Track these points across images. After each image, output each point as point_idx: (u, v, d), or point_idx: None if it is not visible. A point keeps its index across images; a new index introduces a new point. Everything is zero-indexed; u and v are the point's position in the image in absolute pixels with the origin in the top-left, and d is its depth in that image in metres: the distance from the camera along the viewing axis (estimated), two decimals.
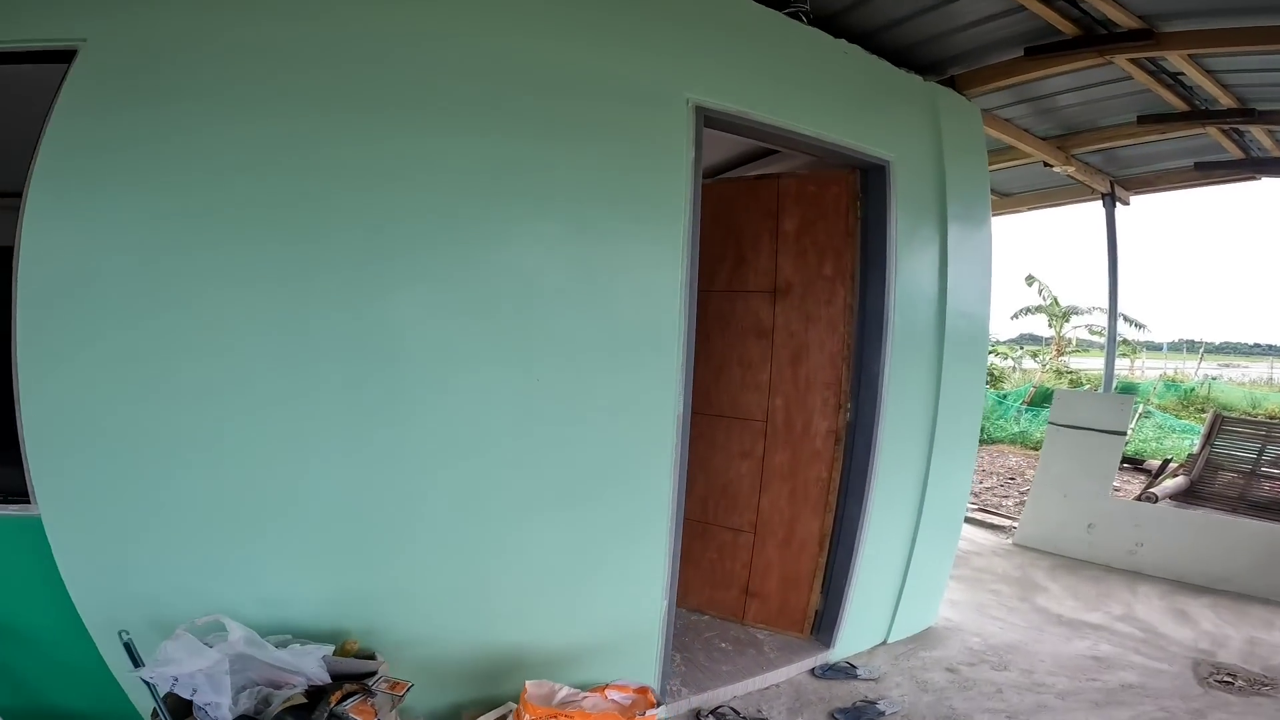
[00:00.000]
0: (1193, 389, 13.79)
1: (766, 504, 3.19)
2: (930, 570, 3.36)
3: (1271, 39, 2.58)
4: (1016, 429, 10.98)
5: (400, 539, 1.96)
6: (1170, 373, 17.69)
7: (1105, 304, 5.40)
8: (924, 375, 3.14)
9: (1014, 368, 17.19)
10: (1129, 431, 6.31)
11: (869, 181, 2.97)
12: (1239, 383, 16.97)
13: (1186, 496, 5.54)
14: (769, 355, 3.19)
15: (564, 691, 1.83)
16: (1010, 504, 6.83)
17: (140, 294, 1.68)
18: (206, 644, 1.48)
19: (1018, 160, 4.48)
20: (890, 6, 2.71)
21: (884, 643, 3.20)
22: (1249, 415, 10.20)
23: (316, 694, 1.53)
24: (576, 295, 2.10)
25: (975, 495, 7.27)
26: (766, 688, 2.73)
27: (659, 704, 2.01)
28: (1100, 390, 6.15)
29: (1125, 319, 15.71)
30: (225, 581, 1.77)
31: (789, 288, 3.14)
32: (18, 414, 1.64)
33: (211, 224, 1.72)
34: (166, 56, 1.69)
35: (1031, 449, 9.81)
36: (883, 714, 2.53)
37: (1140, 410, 10.43)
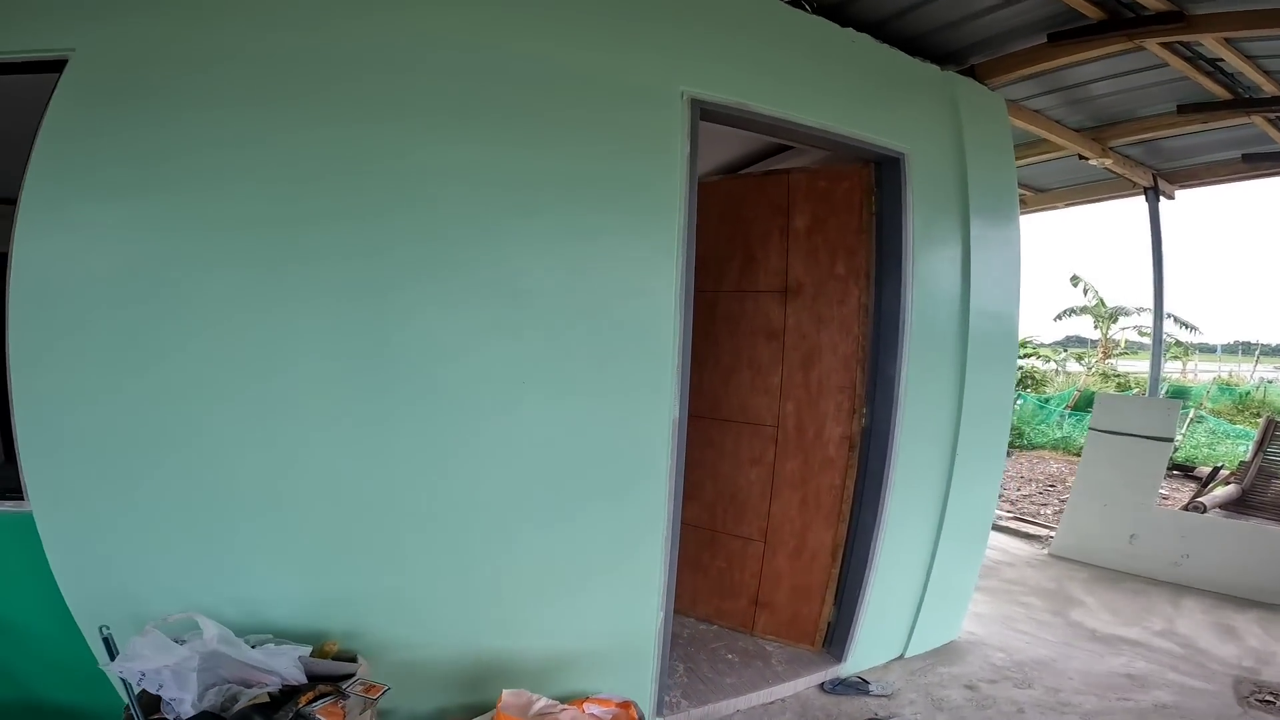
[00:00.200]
0: (1248, 393, 13.06)
1: (777, 512, 3.09)
2: (953, 582, 3.21)
3: None
4: (1058, 434, 10.55)
5: (389, 543, 1.94)
6: (1224, 376, 16.81)
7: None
8: (945, 379, 2.99)
9: (1057, 371, 16.56)
10: (1177, 438, 5.99)
11: (883, 175, 2.84)
12: None
13: (1237, 506, 5.23)
14: (780, 358, 3.09)
15: (541, 703, 1.77)
16: (1049, 512, 6.55)
17: (130, 298, 1.70)
18: (181, 641, 1.48)
19: (1051, 154, 4.28)
20: None
21: (900, 657, 3.07)
22: None
23: (290, 694, 1.52)
24: (565, 296, 2.05)
25: (1011, 503, 7.02)
26: (771, 702, 2.64)
27: (642, 719, 1.94)
28: (1146, 394, 5.85)
29: (1175, 320, 14.97)
30: (211, 580, 1.78)
31: (800, 287, 3.04)
32: (11, 413, 1.68)
33: (196, 228, 1.74)
34: (155, 65, 1.71)
35: (1074, 455, 9.41)
36: None
37: (1191, 415, 9.93)
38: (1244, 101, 3.28)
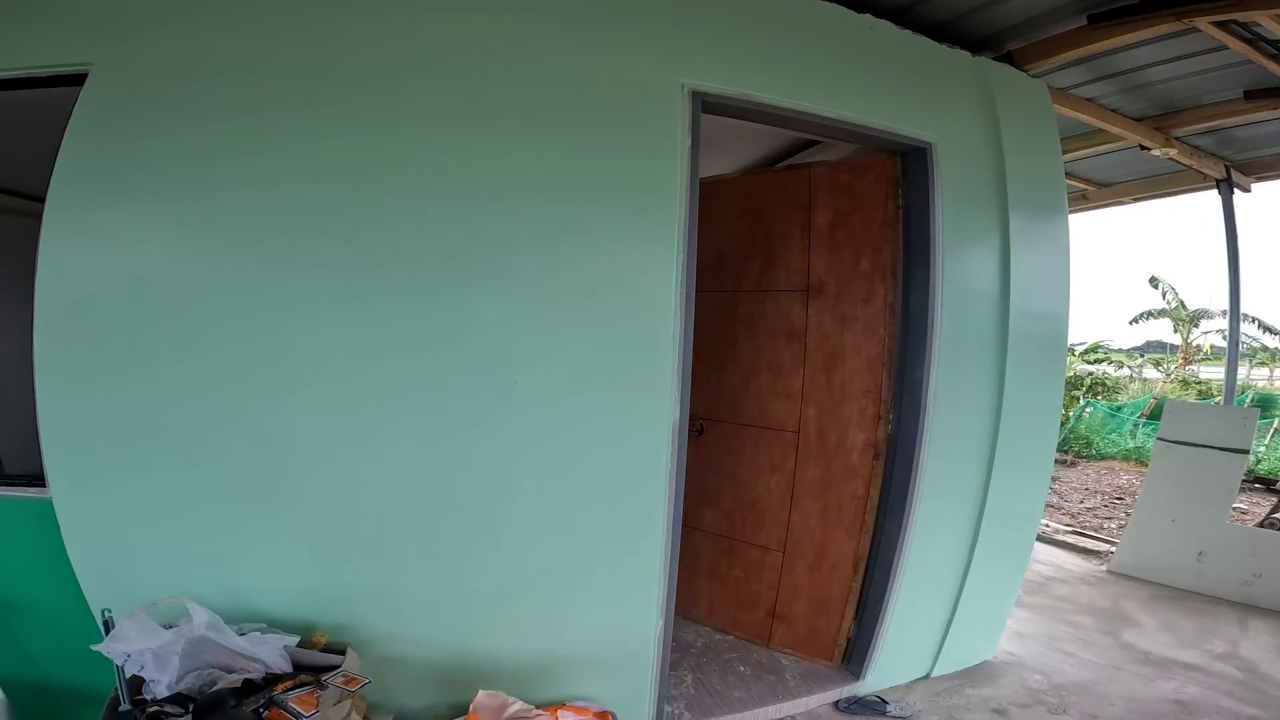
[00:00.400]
0: None
1: (797, 521, 2.98)
2: (989, 599, 3.03)
3: None
4: (1131, 444, 9.88)
5: (387, 540, 1.97)
6: None
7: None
8: (981, 383, 2.81)
9: (1132, 377, 15.52)
10: (1257, 449, 5.51)
11: (909, 166, 2.70)
12: None
13: None
14: (801, 360, 2.99)
15: (515, 706, 1.75)
16: (1113, 526, 6.15)
17: (151, 300, 1.78)
18: (170, 625, 1.53)
19: (1109, 145, 3.99)
20: None
21: (926, 676, 2.91)
22: None
23: (271, 681, 1.55)
24: (560, 298, 2.03)
25: (1072, 516, 6.63)
26: (780, 719, 2.54)
27: None
28: (1221, 402, 5.41)
29: (1262, 325, 13.79)
30: (213, 569, 1.85)
31: (822, 286, 2.93)
32: (37, 406, 1.78)
33: (207, 234, 1.81)
34: (170, 78, 1.79)
35: (1146, 466, 8.81)
36: None
37: (1276, 425, 9.13)
38: None
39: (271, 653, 1.59)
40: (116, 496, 1.81)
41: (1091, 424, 10.75)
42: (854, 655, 2.81)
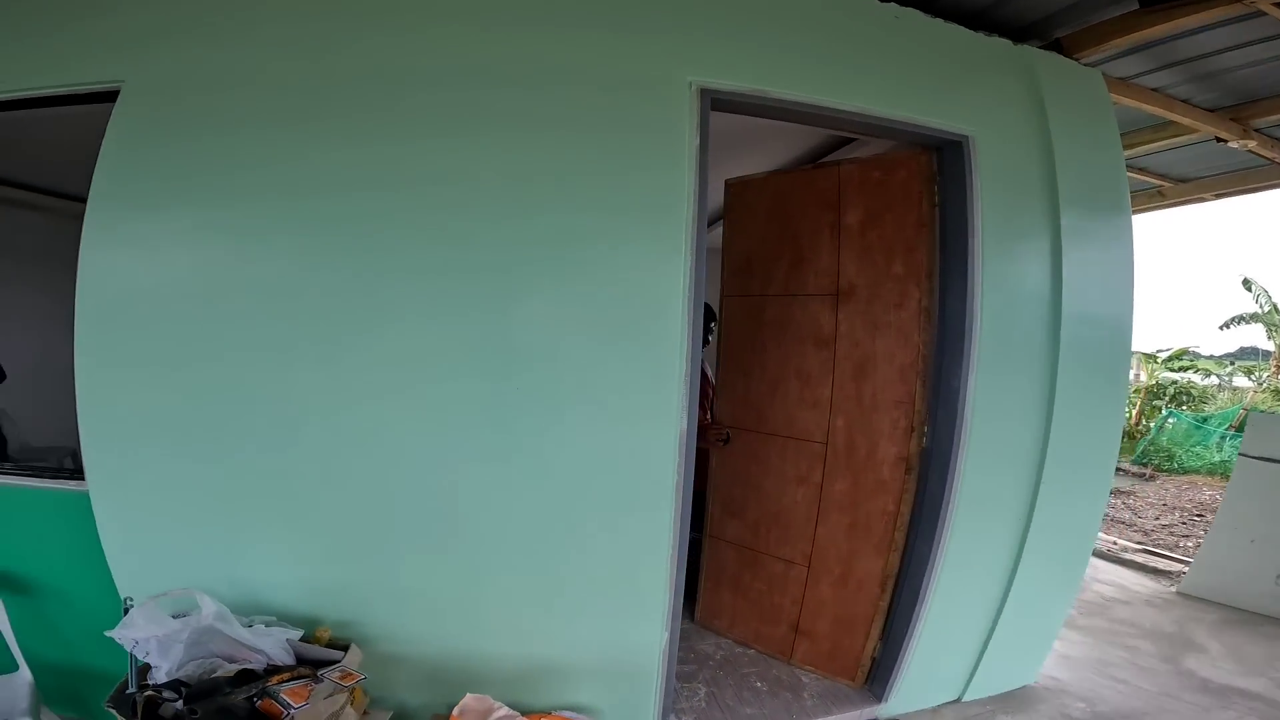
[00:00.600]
0: None
1: (823, 535, 2.87)
2: (1031, 621, 2.84)
3: None
4: (1217, 457, 9.17)
5: (399, 543, 2.02)
6: None
7: None
8: (1027, 393, 2.62)
9: (1221, 386, 14.34)
10: None
11: (945, 162, 2.54)
12: None
13: None
14: (830, 368, 2.87)
15: (501, 712, 1.75)
16: (1190, 545, 5.72)
17: (182, 303, 1.88)
18: (181, 615, 1.61)
19: (1182, 137, 3.69)
20: None
21: (957, 700, 2.76)
22: None
23: (270, 672, 1.60)
24: (562, 301, 2.03)
25: (1145, 533, 6.20)
26: None
27: None
28: None
29: None
30: (233, 563, 1.94)
31: (853, 290, 2.81)
32: (77, 405, 1.91)
33: (236, 238, 1.91)
34: (198, 92, 1.89)
35: None
36: None
37: None
38: None
39: (274, 645, 1.65)
40: (147, 491, 1.92)
41: (1174, 435, 10.03)
42: (878, 676, 2.69)
